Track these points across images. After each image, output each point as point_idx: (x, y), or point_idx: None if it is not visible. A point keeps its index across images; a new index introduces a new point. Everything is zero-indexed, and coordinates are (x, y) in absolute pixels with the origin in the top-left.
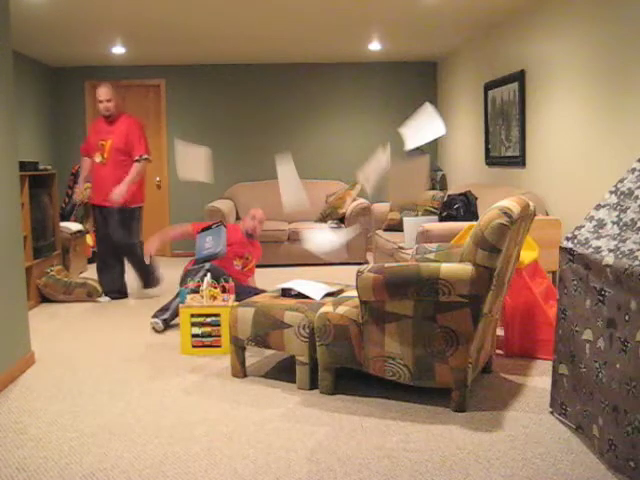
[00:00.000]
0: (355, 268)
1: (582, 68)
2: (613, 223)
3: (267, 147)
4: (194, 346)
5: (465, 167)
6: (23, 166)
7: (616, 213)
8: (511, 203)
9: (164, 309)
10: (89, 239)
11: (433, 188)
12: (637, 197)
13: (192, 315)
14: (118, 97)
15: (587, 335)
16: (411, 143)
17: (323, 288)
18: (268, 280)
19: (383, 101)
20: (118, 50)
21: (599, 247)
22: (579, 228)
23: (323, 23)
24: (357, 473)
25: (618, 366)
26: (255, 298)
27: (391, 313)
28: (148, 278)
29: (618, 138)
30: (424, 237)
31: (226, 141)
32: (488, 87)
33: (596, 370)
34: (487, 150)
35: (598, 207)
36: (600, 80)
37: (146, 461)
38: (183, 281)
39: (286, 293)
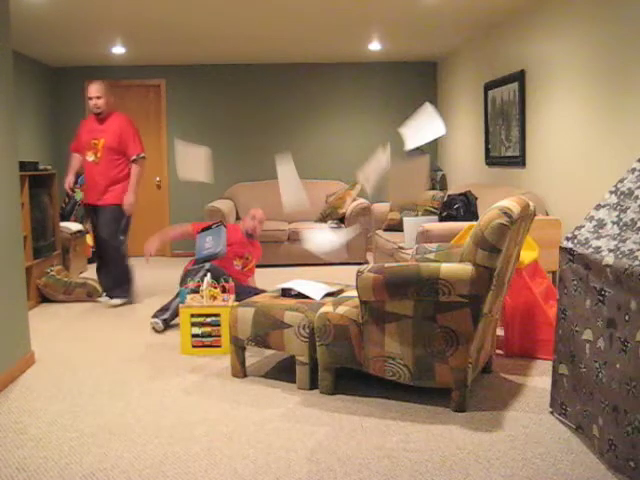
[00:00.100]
0: (355, 268)
1: (582, 68)
2: (613, 223)
3: (267, 147)
4: (194, 346)
5: (465, 167)
6: (23, 166)
7: (616, 213)
8: (511, 203)
9: (164, 309)
10: (89, 239)
11: (433, 188)
12: (637, 197)
13: (192, 315)
14: (109, 95)
15: (587, 335)
16: (411, 143)
17: (323, 288)
18: (268, 280)
19: (383, 101)
20: (118, 50)
21: (599, 247)
22: (579, 228)
23: (323, 23)
24: (357, 473)
25: (618, 366)
26: (255, 298)
27: (391, 313)
28: (122, 285)
29: (618, 138)
30: (424, 237)
31: (226, 141)
32: (488, 87)
33: (596, 370)
34: (487, 150)
35: (598, 207)
36: (600, 80)
37: (146, 461)
38: (183, 281)
39: (286, 293)
